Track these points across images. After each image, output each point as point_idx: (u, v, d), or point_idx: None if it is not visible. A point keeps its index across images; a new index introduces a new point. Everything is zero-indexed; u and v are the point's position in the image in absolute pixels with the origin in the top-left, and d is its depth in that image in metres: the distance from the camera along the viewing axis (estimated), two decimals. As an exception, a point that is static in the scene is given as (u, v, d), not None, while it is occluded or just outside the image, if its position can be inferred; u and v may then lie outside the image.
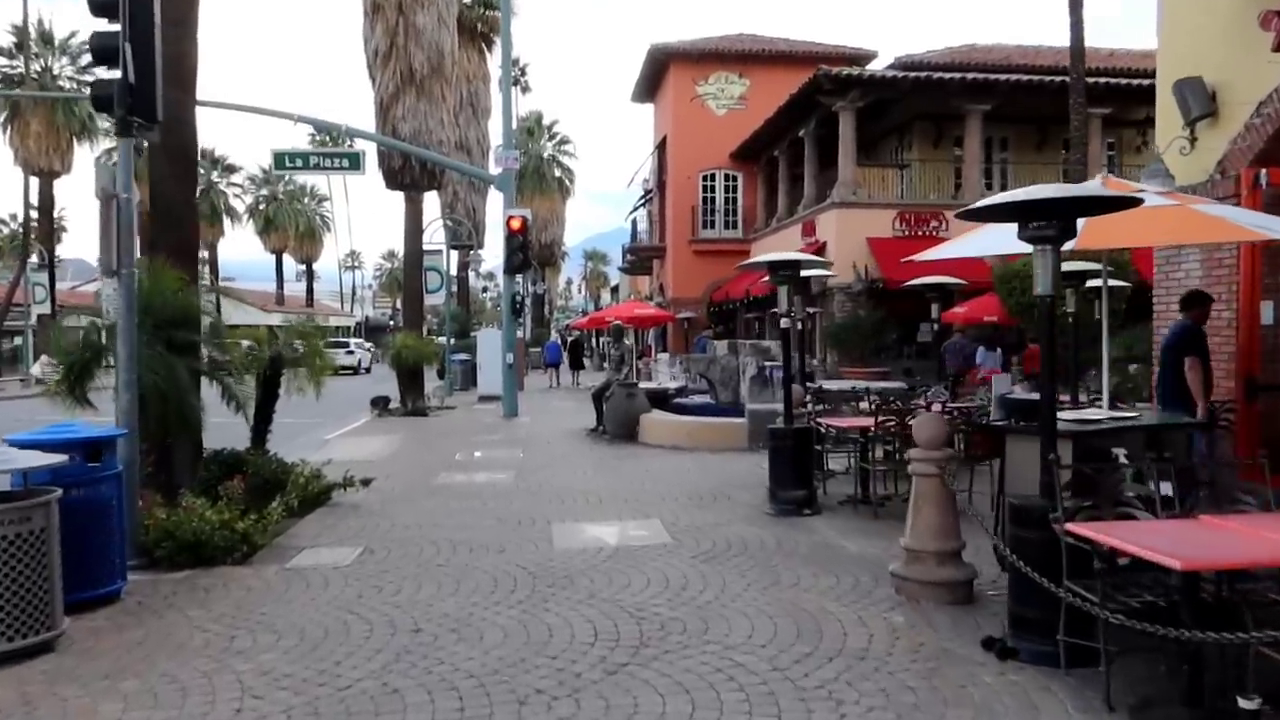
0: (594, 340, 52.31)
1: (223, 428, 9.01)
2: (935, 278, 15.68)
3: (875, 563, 6.60)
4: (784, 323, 8.89)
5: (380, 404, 20.44)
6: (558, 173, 53.22)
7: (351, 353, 48.10)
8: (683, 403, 16.05)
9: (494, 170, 20.80)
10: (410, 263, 21.58)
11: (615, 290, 76.80)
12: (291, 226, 68.09)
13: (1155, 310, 9.72)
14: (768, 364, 14.52)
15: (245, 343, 9.25)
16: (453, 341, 29.90)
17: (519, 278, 20.03)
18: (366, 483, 9.50)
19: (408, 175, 20.72)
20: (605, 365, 33.34)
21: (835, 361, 23.51)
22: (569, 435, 15.50)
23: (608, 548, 7.36)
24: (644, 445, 13.76)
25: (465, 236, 32.85)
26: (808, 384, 16.32)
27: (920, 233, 23.76)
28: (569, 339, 46.50)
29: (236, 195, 62.35)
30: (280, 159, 18.92)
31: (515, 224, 18.96)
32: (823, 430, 9.16)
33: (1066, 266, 7.56)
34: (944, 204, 24.50)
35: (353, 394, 22.20)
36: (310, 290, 76.40)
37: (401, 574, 6.64)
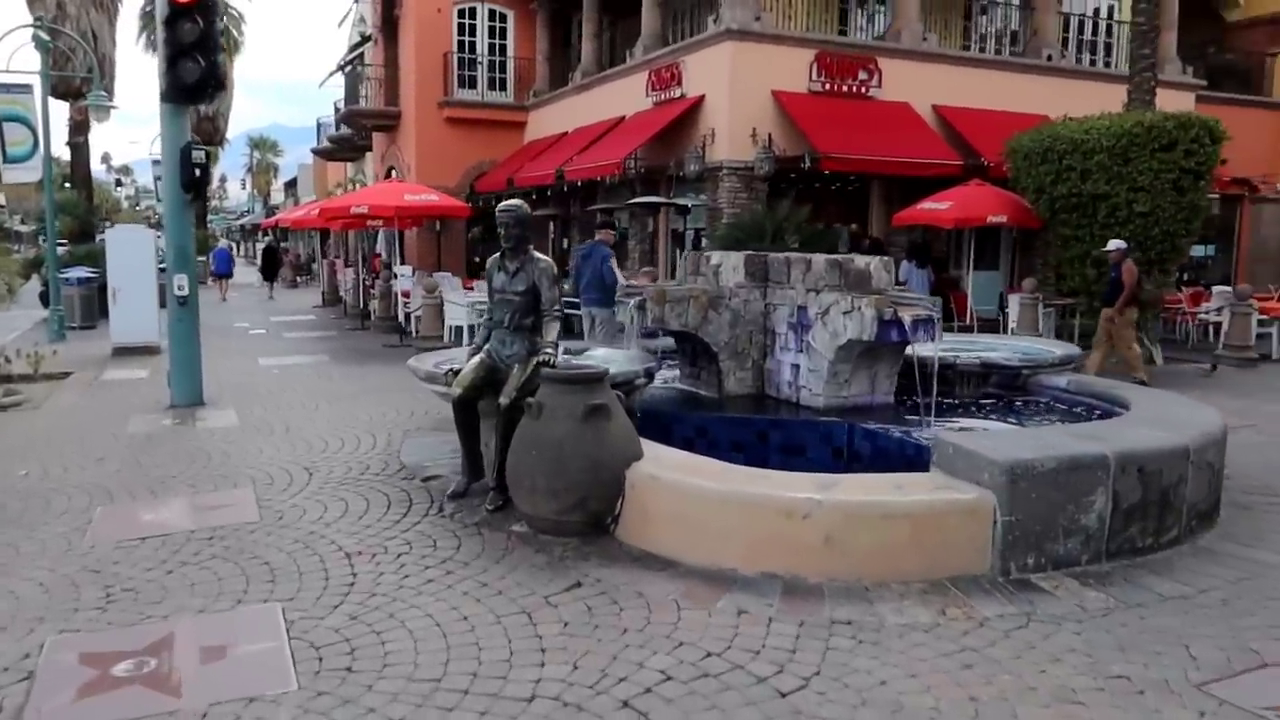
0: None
1: None
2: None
3: None
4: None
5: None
6: (223, 21, 39.54)
7: None
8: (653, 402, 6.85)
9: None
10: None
11: (292, 184, 62.92)
12: None
13: None
14: (914, 316, 5.76)
15: None
16: (65, 249, 18.01)
17: (204, 116, 9.43)
18: None
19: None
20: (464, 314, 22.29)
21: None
22: (390, 514, 5.88)
23: None
24: (651, 567, 4.58)
25: (83, 71, 20.16)
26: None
27: (847, 86, 15.80)
28: (263, 246, 35.33)
29: None
30: None
31: (185, -11, 8.52)
32: None
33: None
34: (875, 46, 16.64)
35: None
36: None
37: None
